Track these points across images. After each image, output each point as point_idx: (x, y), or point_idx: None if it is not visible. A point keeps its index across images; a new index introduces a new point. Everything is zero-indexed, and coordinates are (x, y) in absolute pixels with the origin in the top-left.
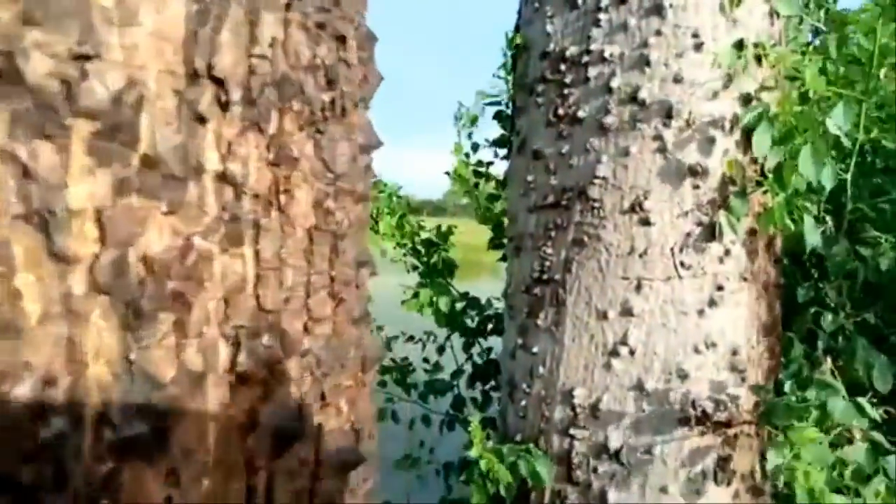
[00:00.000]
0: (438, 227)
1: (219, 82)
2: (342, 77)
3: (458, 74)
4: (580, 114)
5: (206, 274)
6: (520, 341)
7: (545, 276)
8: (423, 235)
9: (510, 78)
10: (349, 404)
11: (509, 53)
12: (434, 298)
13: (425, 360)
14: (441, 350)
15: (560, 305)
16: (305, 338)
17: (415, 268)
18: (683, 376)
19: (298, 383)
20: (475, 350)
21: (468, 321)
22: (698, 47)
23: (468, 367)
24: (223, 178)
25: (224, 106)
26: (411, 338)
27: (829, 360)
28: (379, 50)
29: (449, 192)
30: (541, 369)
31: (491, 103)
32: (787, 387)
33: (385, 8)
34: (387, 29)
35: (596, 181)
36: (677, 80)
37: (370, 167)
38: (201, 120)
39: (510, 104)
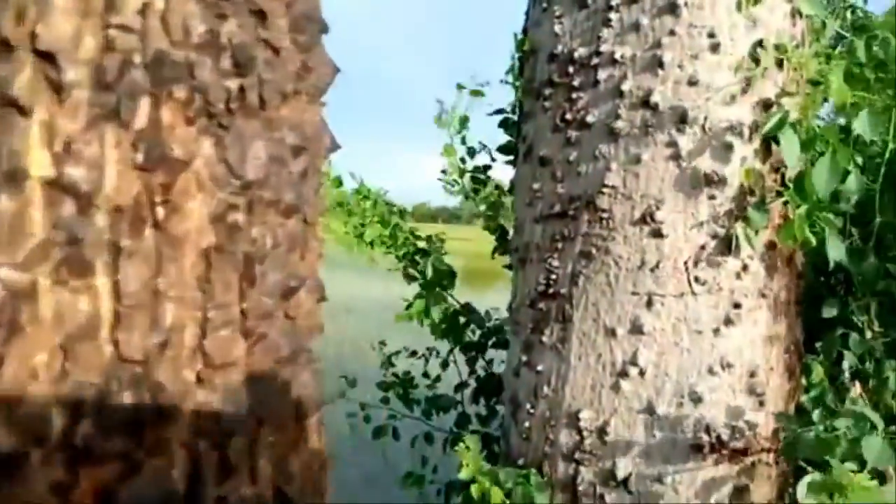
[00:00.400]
0: (429, 235)
1: (47, 58)
2: (261, 62)
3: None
4: (589, 119)
5: (24, 316)
6: (524, 358)
7: (551, 290)
8: (420, 244)
9: (518, 83)
10: (275, 466)
11: (516, 56)
12: (429, 309)
13: (426, 374)
14: (445, 365)
15: (566, 321)
16: (200, 390)
17: (413, 278)
18: (697, 400)
19: (184, 451)
20: (478, 364)
21: (469, 334)
22: (715, 48)
23: (473, 382)
24: (57, 185)
25: (57, 89)
26: (414, 353)
27: (857, 385)
28: (398, 56)
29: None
30: (545, 389)
31: (497, 112)
32: (815, 416)
33: (409, 15)
34: (409, 35)
35: (605, 190)
36: (692, 83)
37: (313, 172)
38: (19, 108)
39: (517, 109)
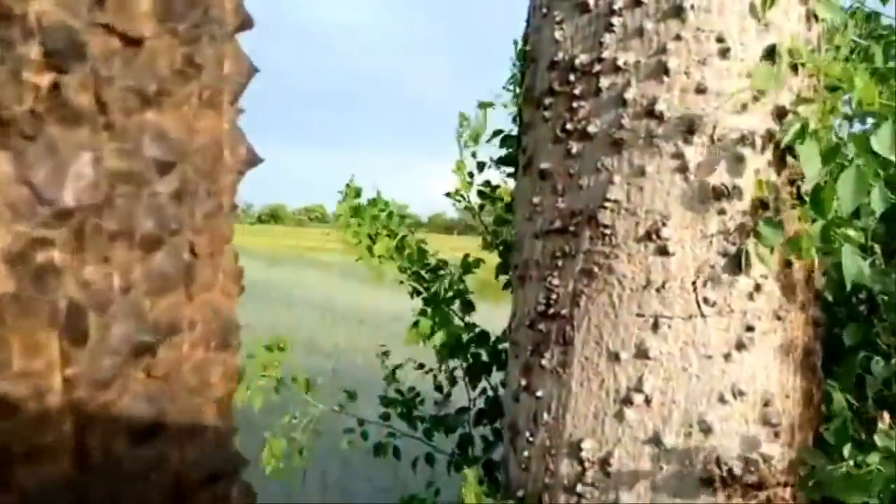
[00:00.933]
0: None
1: None
2: (99, 54)
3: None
4: (591, 129)
5: None
6: (523, 382)
7: (551, 311)
8: (431, 261)
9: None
10: None
11: (518, 64)
12: (435, 329)
13: (438, 388)
14: (453, 381)
15: (567, 344)
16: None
17: (417, 293)
18: (707, 430)
19: None
20: (484, 385)
21: (475, 355)
22: (724, 53)
23: (481, 402)
24: None
25: None
26: (421, 366)
27: (885, 415)
28: (423, 67)
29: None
30: (545, 416)
31: (496, 133)
32: (846, 451)
33: (432, 25)
34: (431, 45)
35: (607, 204)
36: (700, 90)
37: (204, 193)
38: None
39: (518, 120)
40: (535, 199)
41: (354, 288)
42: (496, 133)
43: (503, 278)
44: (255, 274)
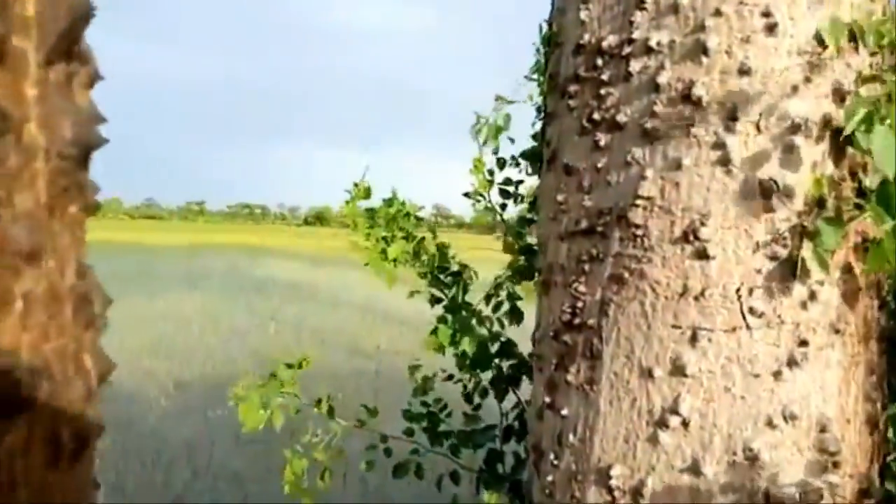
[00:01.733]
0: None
1: None
2: None
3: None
4: (620, 118)
5: None
6: (547, 399)
7: (577, 321)
8: (453, 265)
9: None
10: None
11: (542, 50)
12: (457, 338)
13: (468, 398)
14: (484, 392)
15: (595, 358)
16: None
17: (437, 300)
18: (753, 458)
19: None
20: (517, 397)
21: (501, 367)
22: (770, 29)
23: (514, 415)
24: None
25: None
26: (450, 377)
27: None
28: (447, 65)
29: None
30: (571, 437)
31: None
32: None
33: (454, 24)
34: (453, 44)
35: (639, 202)
36: (744, 71)
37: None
38: None
39: (542, 110)
40: (560, 197)
41: (397, 289)
42: (503, 125)
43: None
44: (300, 275)
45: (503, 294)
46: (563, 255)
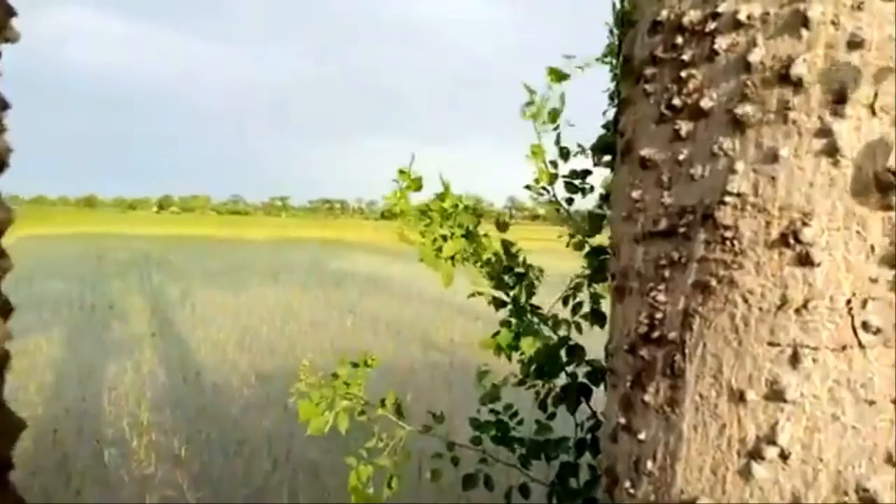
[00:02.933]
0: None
1: None
2: None
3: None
4: (705, 103)
5: None
6: (622, 420)
7: (656, 334)
8: (518, 266)
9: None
10: None
11: (615, 31)
12: (518, 342)
13: (542, 405)
14: (558, 400)
15: (677, 377)
16: None
17: (501, 303)
18: (869, 500)
19: None
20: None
21: (573, 375)
22: None
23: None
24: None
25: None
26: (522, 381)
27: None
28: (512, 56)
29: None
30: (649, 464)
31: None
32: None
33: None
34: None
35: (728, 199)
36: (855, 44)
37: None
38: None
39: (615, 98)
40: (635, 194)
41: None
42: (559, 106)
43: None
44: (377, 269)
45: (582, 295)
46: (640, 259)
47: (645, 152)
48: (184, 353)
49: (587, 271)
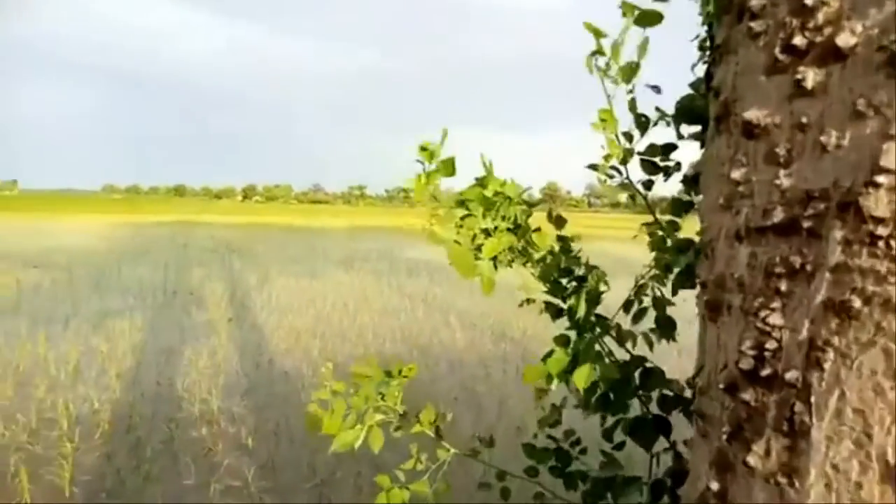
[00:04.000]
0: (592, 266)
1: None
2: None
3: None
4: (843, 40)
5: None
6: (714, 485)
7: (767, 371)
8: (579, 268)
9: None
10: None
11: None
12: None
13: (607, 434)
14: (631, 430)
15: (798, 436)
16: None
17: (559, 313)
18: None
19: None
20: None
21: (646, 399)
22: None
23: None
24: None
25: None
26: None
27: None
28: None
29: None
30: None
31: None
32: None
33: None
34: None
35: (880, 180)
36: None
37: None
38: None
39: (707, 44)
40: (738, 174)
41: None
42: (639, 56)
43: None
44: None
45: (647, 299)
46: (743, 264)
47: (751, 115)
48: (258, 339)
49: (653, 271)
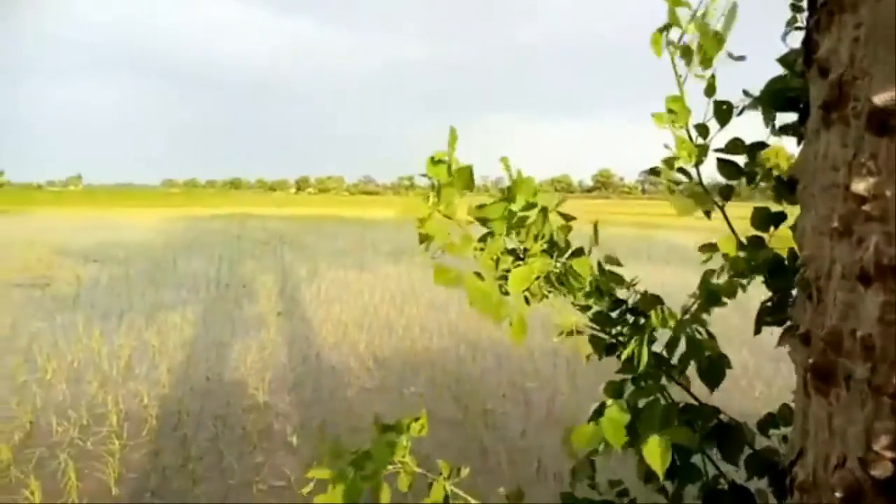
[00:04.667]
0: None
1: None
2: None
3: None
4: None
5: None
6: None
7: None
8: (629, 295)
9: None
10: None
11: None
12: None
13: (662, 490)
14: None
15: None
16: None
17: (610, 348)
18: None
19: None
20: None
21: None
22: None
23: None
24: None
25: None
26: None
27: None
28: None
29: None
30: None
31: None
32: None
33: None
34: None
35: None
36: None
37: None
38: None
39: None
40: (861, 186)
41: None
42: (726, 27)
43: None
44: None
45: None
46: (871, 316)
47: (884, 100)
48: (306, 332)
49: (699, 299)
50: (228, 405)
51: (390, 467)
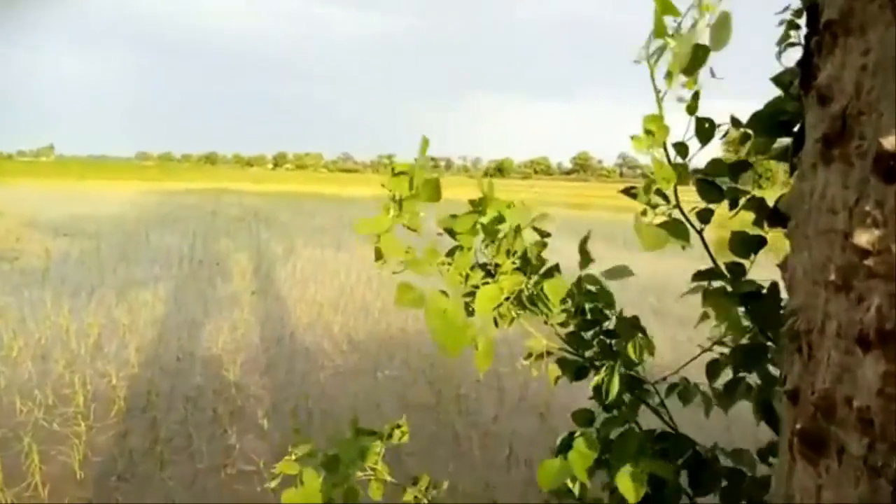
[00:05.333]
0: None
1: None
2: None
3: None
4: None
5: None
6: None
7: None
8: (611, 317)
9: None
10: None
11: None
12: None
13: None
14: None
15: None
16: None
17: (578, 371)
18: None
19: None
20: None
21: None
22: None
23: None
24: None
25: None
26: None
27: None
28: None
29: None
30: None
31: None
32: None
33: None
34: None
35: None
36: None
37: None
38: None
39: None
40: (864, 238)
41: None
42: (721, 34)
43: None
44: None
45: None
46: (871, 385)
47: (893, 144)
48: (281, 313)
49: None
50: (199, 387)
51: (361, 474)
